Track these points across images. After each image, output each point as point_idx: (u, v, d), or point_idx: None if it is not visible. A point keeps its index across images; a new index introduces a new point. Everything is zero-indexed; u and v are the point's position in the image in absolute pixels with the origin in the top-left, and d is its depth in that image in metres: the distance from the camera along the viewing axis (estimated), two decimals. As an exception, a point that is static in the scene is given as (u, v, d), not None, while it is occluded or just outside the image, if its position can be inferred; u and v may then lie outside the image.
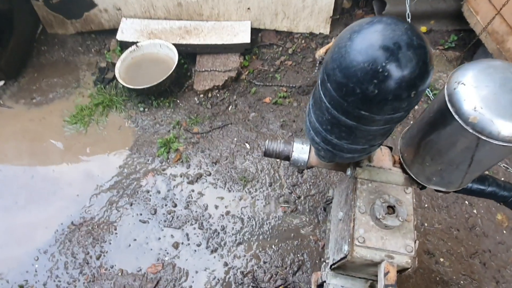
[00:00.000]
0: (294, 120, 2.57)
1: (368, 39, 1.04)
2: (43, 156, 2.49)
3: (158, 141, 2.48)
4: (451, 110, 1.07)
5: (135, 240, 2.15)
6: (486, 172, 1.63)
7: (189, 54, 2.91)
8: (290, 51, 2.95)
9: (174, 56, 2.71)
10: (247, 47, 2.87)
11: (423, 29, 3.05)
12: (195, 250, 2.10)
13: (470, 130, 1.02)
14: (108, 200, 2.29)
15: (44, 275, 2.05)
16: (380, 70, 0.99)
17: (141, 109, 2.68)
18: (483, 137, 0.99)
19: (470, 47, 2.87)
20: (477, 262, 2.06)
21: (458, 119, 1.05)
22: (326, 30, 3.02)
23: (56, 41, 3.05)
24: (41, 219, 2.23)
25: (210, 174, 2.37)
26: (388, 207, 1.34)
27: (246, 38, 2.84)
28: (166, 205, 2.26)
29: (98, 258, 2.09)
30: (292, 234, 2.15)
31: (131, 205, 2.27)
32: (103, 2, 2.87)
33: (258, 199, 2.26)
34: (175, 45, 2.81)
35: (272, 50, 2.99)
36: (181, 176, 2.36)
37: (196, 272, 2.04)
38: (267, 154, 1.54)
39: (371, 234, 1.29)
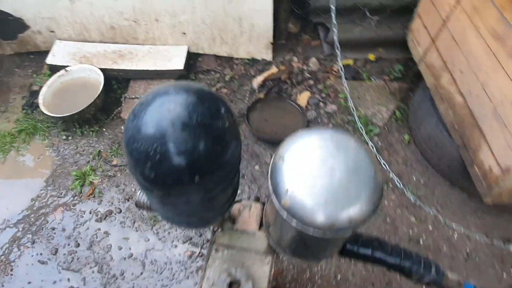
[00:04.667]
0: (217, 155, 2.44)
1: (146, 118, 0.93)
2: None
3: (73, 173, 2.38)
4: (270, 187, 0.92)
5: (29, 283, 2.05)
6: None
7: (123, 80, 2.81)
8: (227, 77, 2.83)
9: (101, 82, 2.61)
10: (181, 73, 2.75)
11: (371, 57, 2.89)
12: (91, 296, 1.99)
13: (285, 214, 0.87)
14: (12, 237, 2.20)
15: None
16: (152, 153, 0.88)
17: (64, 137, 2.59)
18: (296, 224, 0.84)
19: (413, 79, 2.70)
20: (390, 322, 1.91)
21: (275, 200, 0.90)
22: (268, 56, 2.89)
23: (-8, 62, 2.99)
24: None
25: (120, 212, 2.26)
26: (231, 283, 1.20)
27: (179, 64, 2.73)
28: (68, 244, 2.15)
29: (-11, 301, 2.00)
30: (194, 282, 2.02)
31: (33, 243, 2.17)
32: (35, 24, 2.79)
33: (164, 241, 2.14)
34: (107, 70, 2.71)
35: (210, 76, 2.86)
36: (90, 213, 2.25)
37: (88, 320, 1.93)
38: (138, 205, 1.42)
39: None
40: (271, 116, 2.60)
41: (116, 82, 2.80)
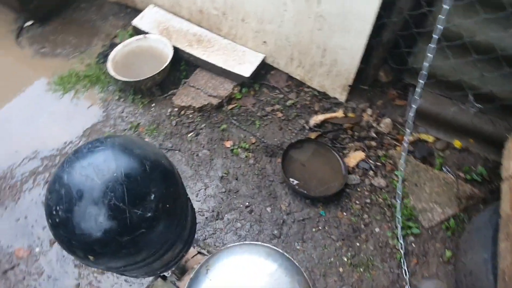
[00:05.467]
0: (237, 178, 2.31)
1: (59, 173, 0.86)
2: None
3: (106, 134, 2.46)
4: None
5: (25, 218, 2.18)
6: None
7: (192, 65, 2.79)
8: (289, 102, 2.63)
9: (168, 59, 2.60)
10: (245, 80, 2.63)
11: (457, 143, 2.44)
12: (65, 257, 2.06)
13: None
14: (34, 169, 2.36)
15: None
16: (54, 213, 0.82)
17: (117, 97, 2.67)
18: None
19: (491, 192, 2.22)
20: None
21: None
22: (341, 97, 2.61)
23: (96, 2, 3.17)
24: None
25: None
26: None
27: (247, 72, 2.60)
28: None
29: None
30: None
31: (46, 183, 2.30)
32: (139, -17, 2.87)
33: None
34: (180, 49, 2.71)
35: (273, 93, 2.69)
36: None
37: None
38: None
39: None
40: (310, 163, 2.36)
41: (185, 64, 2.78)
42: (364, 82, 2.67)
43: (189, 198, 1.11)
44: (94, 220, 0.79)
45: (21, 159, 2.41)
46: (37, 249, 2.09)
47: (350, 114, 2.58)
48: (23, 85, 2.74)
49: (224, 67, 2.62)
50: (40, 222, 2.16)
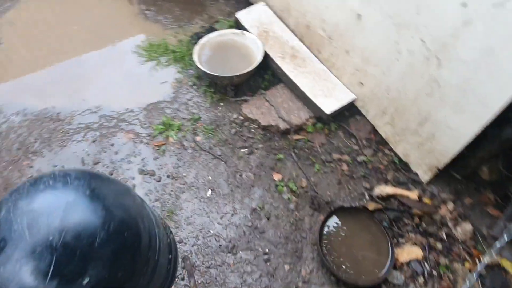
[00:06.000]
0: (268, 218, 2.06)
1: (3, 202, 0.71)
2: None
3: (163, 118, 2.37)
4: None
5: (56, 166, 2.21)
6: None
7: (277, 77, 2.56)
8: (360, 158, 2.28)
9: (254, 64, 2.41)
10: (324, 116, 2.33)
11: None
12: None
13: None
14: (89, 124, 2.38)
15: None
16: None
17: (191, 83, 2.57)
18: None
19: None
20: None
21: None
22: (423, 176, 2.19)
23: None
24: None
25: (159, 181, 2.16)
26: None
27: (329, 108, 2.30)
28: (106, 167, 2.21)
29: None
30: None
31: (93, 141, 2.30)
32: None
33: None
34: (270, 59, 2.50)
35: (348, 141, 2.36)
36: (142, 160, 2.23)
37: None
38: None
39: None
40: (354, 236, 2.01)
41: (270, 75, 2.57)
42: (459, 170, 2.19)
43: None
44: (6, 280, 0.61)
45: (84, 109, 2.45)
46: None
47: (426, 200, 2.15)
48: (116, 39, 2.78)
49: (307, 93, 2.35)
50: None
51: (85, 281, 0.61)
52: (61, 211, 0.64)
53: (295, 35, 2.61)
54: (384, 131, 2.31)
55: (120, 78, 2.59)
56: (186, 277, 1.87)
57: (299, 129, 2.38)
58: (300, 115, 2.39)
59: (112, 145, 2.30)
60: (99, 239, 0.64)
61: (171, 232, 0.99)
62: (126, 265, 0.69)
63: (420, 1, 1.76)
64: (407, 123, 2.12)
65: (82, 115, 2.43)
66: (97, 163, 2.22)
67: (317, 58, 2.51)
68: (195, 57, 2.43)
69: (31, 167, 2.20)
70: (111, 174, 2.18)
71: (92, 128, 2.36)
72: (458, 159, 2.04)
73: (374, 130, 2.37)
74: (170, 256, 0.94)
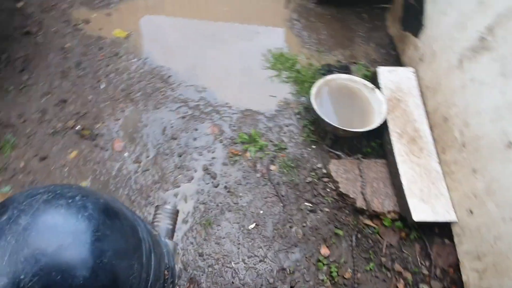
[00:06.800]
0: (292, 287, 1.86)
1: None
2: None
3: (252, 129, 2.29)
4: None
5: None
6: None
7: (383, 150, 2.29)
8: (423, 287, 1.92)
9: (369, 127, 2.18)
10: (408, 217, 2.01)
11: None
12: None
13: None
14: (183, 105, 2.42)
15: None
16: None
17: (296, 111, 2.44)
18: None
19: None
20: None
21: None
22: None
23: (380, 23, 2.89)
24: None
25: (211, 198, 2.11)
26: None
27: (420, 215, 1.96)
28: (179, 156, 2.22)
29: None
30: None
31: (188, 117, 2.33)
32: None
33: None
34: (386, 127, 2.24)
35: (421, 258, 2.01)
36: (209, 160, 2.20)
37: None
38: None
39: None
40: None
41: (379, 145, 2.31)
42: None
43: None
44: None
45: (191, 84, 2.50)
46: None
47: None
48: (254, 35, 2.77)
49: (404, 186, 2.05)
50: (150, 139, 2.23)
51: None
52: (51, 251, 0.56)
53: (427, 119, 2.29)
54: (468, 275, 1.91)
55: (237, 71, 2.58)
56: (185, 295, 1.79)
57: (375, 216, 2.10)
58: (384, 203, 2.10)
59: (196, 129, 2.30)
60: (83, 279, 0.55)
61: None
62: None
63: None
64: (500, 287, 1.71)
65: (187, 88, 2.48)
66: (174, 138, 2.25)
67: (437, 156, 2.17)
68: (313, 90, 2.29)
69: (123, 111, 2.32)
70: (180, 156, 2.18)
71: (188, 105, 2.40)
72: None
73: (456, 267, 1.97)
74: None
